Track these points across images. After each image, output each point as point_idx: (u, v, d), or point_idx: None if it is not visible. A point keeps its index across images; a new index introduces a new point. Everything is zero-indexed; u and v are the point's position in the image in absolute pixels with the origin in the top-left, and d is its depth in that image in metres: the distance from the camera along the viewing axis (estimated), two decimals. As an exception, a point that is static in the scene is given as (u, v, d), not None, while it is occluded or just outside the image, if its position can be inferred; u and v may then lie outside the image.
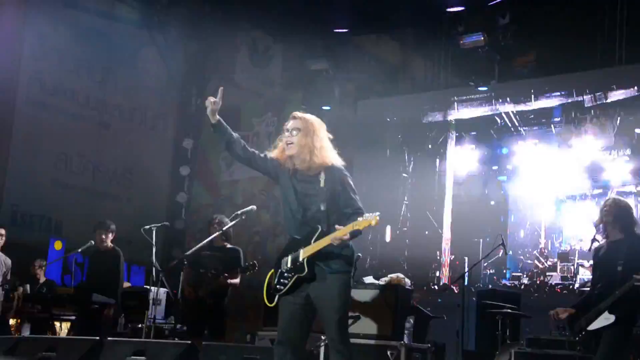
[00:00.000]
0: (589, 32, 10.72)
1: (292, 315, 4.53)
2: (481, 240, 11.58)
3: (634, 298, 5.52)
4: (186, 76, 14.52)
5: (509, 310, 8.24)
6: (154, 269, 7.28)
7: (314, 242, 4.45)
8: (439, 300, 10.89)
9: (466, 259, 11.40)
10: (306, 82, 13.00)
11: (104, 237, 8.38)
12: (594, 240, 5.99)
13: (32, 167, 12.19)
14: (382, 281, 7.81)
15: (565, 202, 11.78)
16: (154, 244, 7.33)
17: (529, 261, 11.82)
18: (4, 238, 8.66)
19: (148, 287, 8.01)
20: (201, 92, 14.45)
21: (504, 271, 11.74)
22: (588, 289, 8.02)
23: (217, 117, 4.74)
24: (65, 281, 12.12)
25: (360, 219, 4.31)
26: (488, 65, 11.53)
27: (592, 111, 11.08)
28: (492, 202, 12.30)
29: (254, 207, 6.29)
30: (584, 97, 10.98)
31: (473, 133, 12.40)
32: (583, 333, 5.74)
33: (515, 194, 12.15)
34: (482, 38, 11.08)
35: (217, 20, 13.35)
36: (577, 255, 11.12)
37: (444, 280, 11.91)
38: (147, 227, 7.41)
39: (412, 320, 7.22)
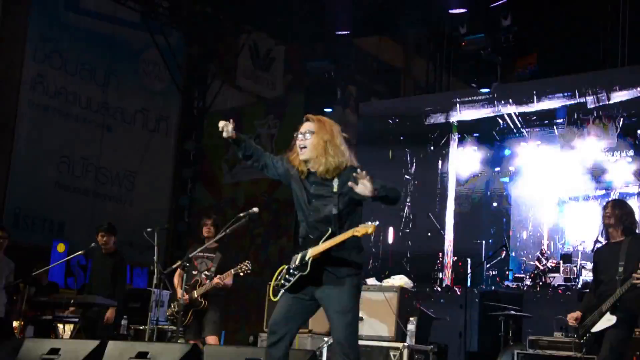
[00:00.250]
0: (591, 33, 10.72)
1: (289, 308, 4.54)
2: (484, 241, 11.57)
3: (634, 299, 5.52)
4: (188, 79, 14.54)
5: (512, 312, 8.25)
6: (156, 271, 7.28)
7: (322, 243, 4.45)
8: (442, 301, 10.89)
9: (469, 260, 11.40)
10: (308, 84, 13.01)
11: (106, 239, 8.39)
12: (596, 241, 6.02)
13: (34, 170, 12.21)
14: (385, 283, 7.82)
15: (568, 203, 11.75)
16: (156, 245, 7.34)
17: (532, 262, 11.80)
18: (6, 240, 8.66)
19: (150, 289, 8.01)
20: (203, 95, 14.50)
21: (507, 272, 11.72)
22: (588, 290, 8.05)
23: (234, 134, 4.64)
24: (68, 283, 12.15)
25: (360, 226, 4.32)
26: (490, 66, 11.53)
27: (595, 112, 11.08)
28: (495, 204, 12.29)
29: (256, 209, 6.27)
30: (587, 98, 10.98)
31: (475, 134, 12.40)
32: (587, 335, 5.75)
33: (517, 195, 12.13)
34: (485, 40, 11.07)
35: (219, 23, 13.37)
36: (580, 257, 11.11)
37: (447, 281, 11.90)
38: (150, 229, 7.42)
39: (414, 322, 7.21)
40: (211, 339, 7.35)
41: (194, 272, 7.54)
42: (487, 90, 11.70)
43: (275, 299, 4.62)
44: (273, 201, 12.97)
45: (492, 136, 12.24)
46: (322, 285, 4.48)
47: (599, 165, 11.07)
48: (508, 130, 12.02)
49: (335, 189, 4.48)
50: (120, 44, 13.46)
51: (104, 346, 6.08)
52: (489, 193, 12.34)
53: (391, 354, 6.99)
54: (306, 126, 4.61)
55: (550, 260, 11.46)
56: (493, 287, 11.00)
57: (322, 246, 4.43)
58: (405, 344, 7.04)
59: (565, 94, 11.24)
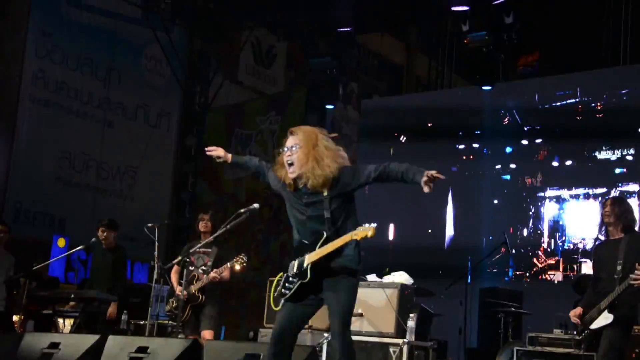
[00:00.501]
0: (594, 31, 10.72)
1: (291, 316, 4.54)
2: (484, 238, 11.57)
3: (632, 297, 5.53)
4: (190, 75, 14.53)
5: (512, 309, 8.26)
6: (156, 266, 7.29)
7: (319, 248, 4.45)
8: (442, 297, 10.90)
9: (469, 257, 11.40)
10: (310, 80, 13.01)
11: (106, 234, 8.40)
12: (596, 239, 6.01)
13: (35, 165, 12.21)
14: (385, 279, 7.82)
15: (569, 200, 11.76)
16: (156, 241, 7.35)
17: (532, 260, 11.81)
18: (7, 235, 8.67)
19: (151, 284, 8.02)
20: (205, 91, 14.49)
21: (507, 269, 11.73)
22: (578, 280, 8.07)
23: (228, 158, 5.01)
24: (68, 278, 12.16)
25: (359, 229, 4.34)
26: (492, 64, 11.52)
27: (596, 109, 11.07)
28: (495, 201, 12.29)
29: (257, 205, 6.26)
30: (588, 96, 10.97)
31: (477, 131, 12.40)
32: (586, 331, 5.76)
33: (518, 192, 12.13)
34: (487, 37, 11.06)
35: (221, 19, 13.36)
36: (580, 254, 11.12)
37: (447, 278, 11.88)
38: (150, 225, 7.43)
39: (414, 318, 7.21)
40: (207, 334, 7.34)
41: (191, 268, 7.55)
42: (489, 87, 11.70)
43: (277, 309, 4.61)
44: (274, 197, 12.97)
45: (493, 133, 12.24)
46: (322, 289, 4.49)
47: (600, 162, 11.07)
48: (509, 127, 12.03)
49: (325, 193, 4.47)
50: (122, 40, 13.45)
51: (104, 341, 6.09)
52: (489, 189, 12.35)
53: (391, 350, 6.99)
54: (291, 140, 4.55)
55: (549, 258, 11.47)
56: (493, 284, 10.99)
57: (320, 251, 4.42)
58: (405, 340, 7.04)
59: (567, 92, 11.24)
